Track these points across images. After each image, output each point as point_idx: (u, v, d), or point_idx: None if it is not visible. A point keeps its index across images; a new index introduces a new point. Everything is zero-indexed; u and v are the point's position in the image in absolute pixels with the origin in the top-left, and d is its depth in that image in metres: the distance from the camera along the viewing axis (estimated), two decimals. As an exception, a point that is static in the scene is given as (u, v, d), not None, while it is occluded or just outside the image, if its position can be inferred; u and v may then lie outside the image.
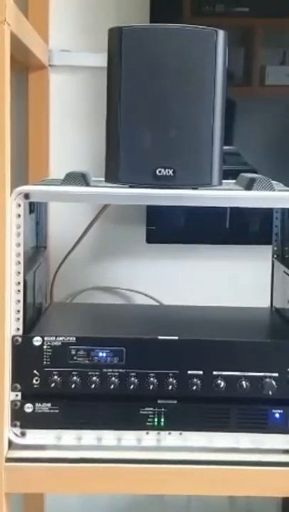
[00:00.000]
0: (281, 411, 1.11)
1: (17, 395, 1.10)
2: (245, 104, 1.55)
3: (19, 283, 1.09)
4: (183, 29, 1.08)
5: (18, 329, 1.10)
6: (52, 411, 1.11)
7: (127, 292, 1.62)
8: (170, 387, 1.10)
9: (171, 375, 1.10)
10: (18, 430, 1.11)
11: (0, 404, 1.08)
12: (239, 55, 1.55)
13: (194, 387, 1.10)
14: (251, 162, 1.55)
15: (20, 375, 1.10)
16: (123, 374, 1.10)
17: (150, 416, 1.11)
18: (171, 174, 1.09)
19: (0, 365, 1.07)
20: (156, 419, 1.11)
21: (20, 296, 1.10)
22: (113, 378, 1.10)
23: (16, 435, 1.11)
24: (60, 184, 1.13)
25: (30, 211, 1.25)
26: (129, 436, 1.12)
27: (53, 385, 1.10)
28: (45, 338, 1.10)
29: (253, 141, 1.57)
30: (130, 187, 1.11)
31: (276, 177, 1.26)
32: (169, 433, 1.12)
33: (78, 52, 1.57)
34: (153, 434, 1.12)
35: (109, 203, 1.43)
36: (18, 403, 1.10)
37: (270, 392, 1.10)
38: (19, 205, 1.09)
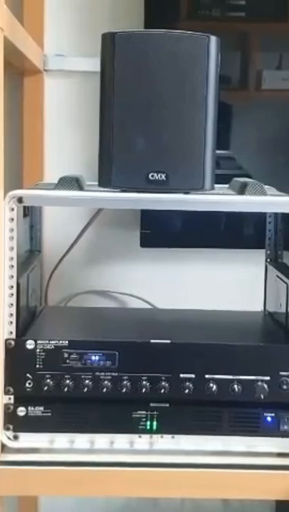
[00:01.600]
0: (273, 414, 1.12)
1: (10, 399, 1.11)
2: (241, 109, 1.56)
3: (12, 286, 1.10)
4: (175, 34, 1.08)
5: (11, 333, 1.10)
6: (45, 414, 1.11)
7: (120, 296, 1.63)
8: (162, 390, 1.10)
9: (163, 378, 1.11)
10: (11, 433, 1.11)
11: (-7, 408, 1.08)
12: (235, 59, 1.56)
13: (186, 391, 1.10)
14: (247, 166, 1.55)
15: (13, 378, 1.10)
16: (116, 377, 1.11)
17: (142, 419, 1.12)
18: (164, 179, 1.10)
19: (-7, 369, 1.08)
20: (148, 423, 1.12)
21: (14, 300, 1.10)
22: (106, 382, 1.10)
23: (9, 438, 1.11)
24: (54, 188, 1.13)
25: (25, 215, 1.25)
26: (122, 440, 1.12)
27: (45, 388, 1.10)
28: (38, 342, 1.11)
29: (249, 146, 1.58)
30: (123, 191, 1.11)
31: (271, 182, 1.27)
32: (162, 436, 1.12)
33: (73, 57, 1.58)
34: (145, 437, 1.12)
35: (102, 207, 1.44)
36: (11, 406, 1.11)
37: (262, 396, 1.11)
38: (12, 209, 1.09)
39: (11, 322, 1.10)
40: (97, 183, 1.14)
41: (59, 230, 1.57)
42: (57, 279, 1.58)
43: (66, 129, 1.59)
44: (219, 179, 1.15)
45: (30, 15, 1.52)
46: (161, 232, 1.57)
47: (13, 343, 1.10)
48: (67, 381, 1.10)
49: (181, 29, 1.09)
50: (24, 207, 1.17)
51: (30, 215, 1.34)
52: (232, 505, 1.66)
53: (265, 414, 1.12)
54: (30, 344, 1.11)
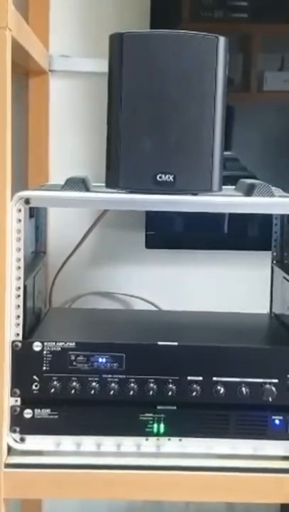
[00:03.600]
0: (281, 417, 1.11)
1: (16, 401, 1.10)
2: (243, 110, 1.55)
3: (19, 288, 1.09)
4: (184, 35, 1.08)
5: (17, 334, 1.10)
6: (51, 417, 1.11)
7: (126, 297, 1.62)
8: (170, 393, 1.10)
9: (170, 381, 1.10)
10: (17, 436, 1.10)
11: (-1, 410, 1.08)
12: (237, 60, 1.55)
13: (194, 393, 1.10)
14: (250, 168, 1.55)
15: (19, 380, 1.10)
16: (123, 380, 1.10)
17: (150, 422, 1.11)
18: (172, 180, 1.09)
19: (-1, 371, 1.07)
20: (155, 425, 1.11)
21: (20, 302, 1.10)
22: (113, 384, 1.10)
23: (15, 441, 1.10)
24: (61, 189, 1.13)
25: (30, 216, 1.25)
26: (129, 443, 1.11)
27: (52, 390, 1.09)
28: (45, 344, 1.10)
29: (251, 147, 1.57)
30: (130, 192, 1.11)
31: (274, 182, 1.26)
32: (169, 439, 1.11)
33: (78, 58, 1.58)
34: (152, 440, 1.11)
35: (109, 208, 1.43)
36: (18, 409, 1.10)
37: (270, 399, 1.10)
38: (20, 210, 1.08)
39: (18, 324, 1.10)
40: (103, 184, 1.13)
41: (64, 231, 1.56)
42: (62, 280, 1.57)
43: (71, 129, 1.59)
44: (224, 180, 1.14)
45: (35, 15, 1.52)
46: (167, 233, 1.57)
47: (20, 345, 1.09)
48: (74, 383, 1.10)
49: (184, 30, 1.09)
50: (30, 208, 1.17)
51: (36, 216, 1.33)
52: (237, 509, 1.65)
53: (273, 417, 1.11)
54: (37, 346, 1.10)
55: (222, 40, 1.08)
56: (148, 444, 1.11)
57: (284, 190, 1.27)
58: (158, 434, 1.11)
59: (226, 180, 1.19)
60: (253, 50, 1.57)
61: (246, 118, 1.56)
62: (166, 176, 1.09)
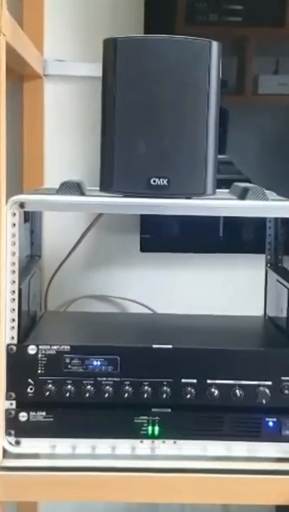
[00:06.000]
0: (275, 419, 1.12)
1: (11, 404, 1.11)
2: (238, 113, 1.56)
3: (14, 292, 1.10)
4: (177, 40, 1.08)
5: (12, 338, 1.10)
6: (46, 419, 1.11)
7: (121, 301, 1.63)
8: (164, 395, 1.10)
9: (165, 383, 1.11)
10: (12, 439, 1.11)
11: (-6, 413, 1.08)
12: (232, 64, 1.56)
13: (188, 396, 1.10)
14: (244, 171, 1.55)
15: (14, 383, 1.10)
16: (117, 383, 1.11)
17: (144, 424, 1.11)
18: (166, 184, 1.10)
19: (-5, 374, 1.08)
20: (150, 428, 1.12)
21: (15, 305, 1.10)
22: (107, 387, 1.10)
23: (11, 444, 1.11)
24: (55, 193, 1.13)
25: (25, 220, 1.25)
26: (124, 445, 1.12)
27: (47, 393, 1.10)
28: (40, 347, 1.10)
29: (245, 150, 1.58)
30: (124, 196, 1.11)
31: (269, 186, 1.27)
32: (163, 441, 1.12)
33: (73, 62, 1.58)
34: (147, 442, 1.12)
35: (103, 212, 1.44)
36: (13, 412, 1.10)
37: (264, 401, 1.11)
38: (14, 214, 1.09)
39: (13, 327, 1.10)
40: (98, 188, 1.14)
41: (59, 235, 1.57)
42: (57, 284, 1.57)
43: (66, 133, 1.59)
44: (218, 184, 1.15)
45: (30, 19, 1.52)
46: (161, 236, 1.58)
47: (14, 348, 1.10)
48: (69, 386, 1.10)
49: (179, 34, 1.09)
50: (24, 212, 1.17)
51: (31, 220, 1.34)
52: (232, 510, 1.66)
53: (266, 419, 1.12)
54: (32, 349, 1.10)
55: (215, 44, 1.09)
56: (143, 446, 1.12)
57: (279, 193, 1.27)
58: (153, 437, 1.12)
59: (221, 184, 1.20)
60: (247, 54, 1.58)
61: (241, 121, 1.57)
62: (160, 180, 1.10)
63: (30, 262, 1.35)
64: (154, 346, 1.12)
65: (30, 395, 1.10)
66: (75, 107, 1.59)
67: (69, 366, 1.11)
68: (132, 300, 1.61)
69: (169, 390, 1.11)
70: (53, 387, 1.10)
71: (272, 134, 1.59)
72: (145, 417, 1.12)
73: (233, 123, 1.55)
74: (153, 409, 1.11)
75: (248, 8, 1.54)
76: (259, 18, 1.55)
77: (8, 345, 1.10)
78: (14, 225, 1.09)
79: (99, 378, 1.11)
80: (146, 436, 1.12)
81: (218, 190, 1.15)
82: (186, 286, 1.62)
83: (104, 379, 1.11)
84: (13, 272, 1.09)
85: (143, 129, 1.09)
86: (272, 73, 1.57)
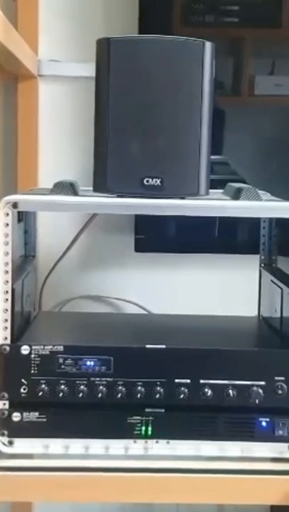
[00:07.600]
0: (268, 419, 1.12)
1: (4, 404, 1.10)
2: (234, 114, 1.56)
3: (7, 292, 1.10)
4: (170, 40, 1.08)
5: (5, 338, 1.10)
6: (40, 420, 1.11)
7: (115, 301, 1.63)
8: (157, 395, 1.10)
9: (158, 383, 1.11)
10: (5, 439, 1.11)
11: (-13, 413, 1.08)
12: (228, 65, 1.56)
13: (182, 396, 1.10)
14: (240, 172, 1.55)
15: (7, 383, 1.10)
16: (111, 383, 1.10)
17: (138, 425, 1.11)
18: (159, 184, 1.10)
19: (-12, 374, 1.08)
20: (143, 428, 1.11)
21: (9, 305, 1.10)
22: (101, 387, 1.10)
23: (4, 444, 1.11)
24: (49, 193, 1.13)
25: (19, 220, 1.25)
26: (117, 445, 1.12)
27: (40, 393, 1.10)
28: (33, 347, 1.10)
29: (242, 151, 1.58)
30: (118, 196, 1.11)
31: (264, 187, 1.27)
32: (157, 441, 1.12)
33: (67, 63, 1.58)
34: (140, 442, 1.12)
35: (97, 212, 1.44)
36: (6, 412, 1.10)
37: (257, 401, 1.11)
38: (7, 215, 1.09)
39: (6, 328, 1.10)
40: (91, 188, 1.14)
41: (53, 235, 1.57)
42: (51, 284, 1.57)
43: (60, 134, 1.60)
44: (213, 184, 1.15)
45: (24, 20, 1.52)
46: (156, 237, 1.58)
47: (8, 348, 1.10)
48: (62, 386, 1.10)
49: (175, 35, 1.09)
50: (18, 212, 1.17)
51: (25, 220, 1.34)
52: (226, 510, 1.66)
53: (260, 419, 1.12)
54: (25, 349, 1.10)
55: (208, 45, 1.09)
56: (136, 446, 1.12)
57: (275, 194, 1.27)
58: (146, 437, 1.12)
59: (216, 184, 1.20)
60: (244, 55, 1.58)
61: (237, 122, 1.57)
62: (154, 180, 1.10)
63: (24, 262, 1.35)
64: (147, 346, 1.12)
65: (23, 395, 1.10)
66: (70, 107, 1.59)
67: (62, 366, 1.11)
68: (127, 300, 1.61)
69: (162, 390, 1.10)
70: (46, 388, 1.10)
71: (268, 135, 1.59)
72: (138, 417, 1.11)
73: (229, 124, 1.55)
74: (146, 410, 1.11)
75: (244, 9, 1.54)
76: (255, 19, 1.55)
77: (1, 345, 1.10)
78: (7, 225, 1.09)
79: (92, 378, 1.10)
80: (140, 437, 1.11)
81: (212, 191, 1.15)
82: (180, 286, 1.62)
83: (98, 379, 1.11)
84: (7, 272, 1.09)
85: (136, 129, 1.09)
86: (268, 74, 1.57)
